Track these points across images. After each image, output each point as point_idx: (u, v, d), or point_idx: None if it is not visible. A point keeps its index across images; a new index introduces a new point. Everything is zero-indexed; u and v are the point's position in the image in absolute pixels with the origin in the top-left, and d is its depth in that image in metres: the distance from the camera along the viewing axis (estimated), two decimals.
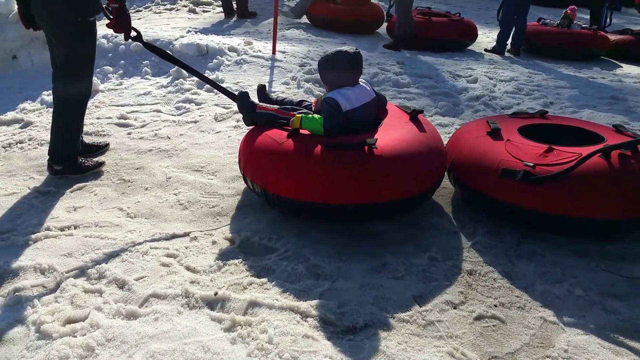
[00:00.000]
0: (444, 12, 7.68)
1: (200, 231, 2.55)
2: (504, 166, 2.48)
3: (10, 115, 4.07)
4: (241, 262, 2.31)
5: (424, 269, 2.29)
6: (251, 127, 2.79)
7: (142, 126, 3.83)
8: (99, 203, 2.83)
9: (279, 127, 2.61)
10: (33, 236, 2.46)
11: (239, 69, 4.95)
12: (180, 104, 4.21)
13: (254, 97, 2.96)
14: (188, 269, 2.25)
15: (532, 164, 2.42)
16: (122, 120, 3.90)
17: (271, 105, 2.81)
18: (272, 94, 3.12)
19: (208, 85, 4.49)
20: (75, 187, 2.99)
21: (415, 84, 4.98)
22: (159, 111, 4.11)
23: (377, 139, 2.40)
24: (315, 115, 2.52)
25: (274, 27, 5.44)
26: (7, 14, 5.09)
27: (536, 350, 1.86)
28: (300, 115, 2.54)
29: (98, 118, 3.95)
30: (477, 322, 1.99)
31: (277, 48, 5.47)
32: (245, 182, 2.71)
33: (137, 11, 8.20)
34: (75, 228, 2.57)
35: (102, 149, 3.42)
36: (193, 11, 8.40)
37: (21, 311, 1.97)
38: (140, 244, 2.42)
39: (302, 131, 2.50)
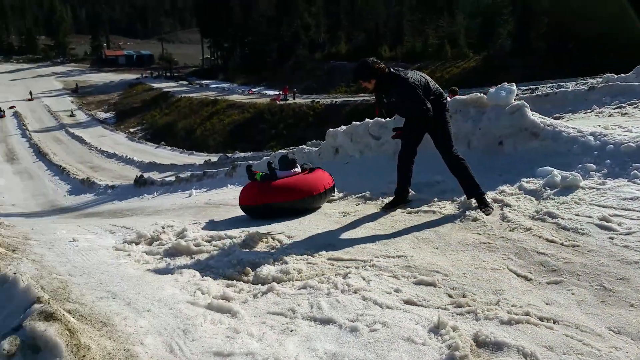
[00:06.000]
0: None
1: None
2: None
3: (490, 194, 4.59)
4: None
5: None
6: None
7: (627, 234, 3.52)
8: (577, 303, 2.76)
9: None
10: (515, 317, 2.62)
11: None
12: None
13: None
14: None
15: None
16: (604, 223, 3.71)
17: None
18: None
19: None
20: None
21: None
22: None
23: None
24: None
25: None
26: (504, 106, 5.87)
27: None
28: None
29: (577, 215, 3.92)
30: None
31: None
32: None
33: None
34: (554, 322, 2.58)
35: None
36: None
37: None
38: None
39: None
